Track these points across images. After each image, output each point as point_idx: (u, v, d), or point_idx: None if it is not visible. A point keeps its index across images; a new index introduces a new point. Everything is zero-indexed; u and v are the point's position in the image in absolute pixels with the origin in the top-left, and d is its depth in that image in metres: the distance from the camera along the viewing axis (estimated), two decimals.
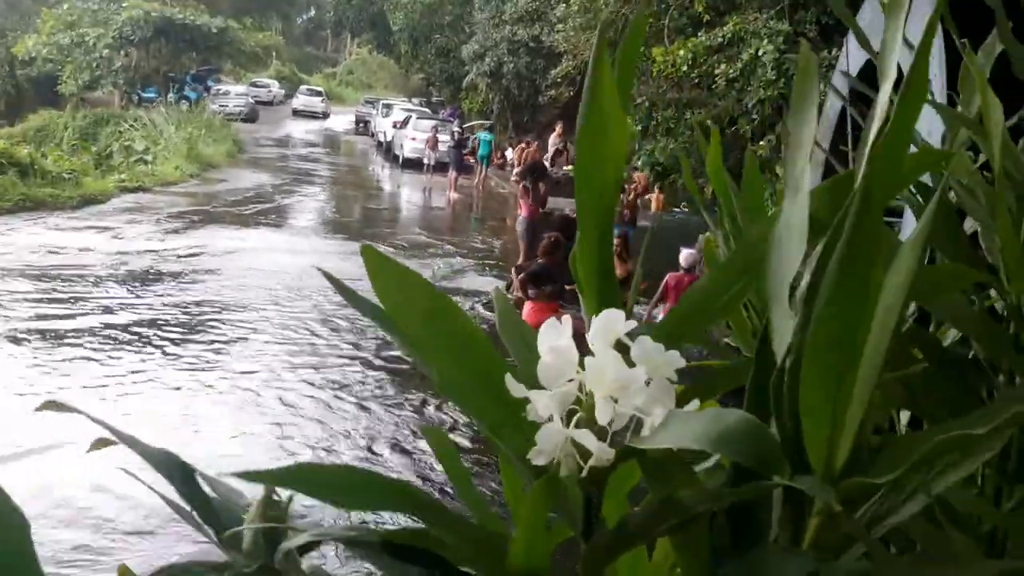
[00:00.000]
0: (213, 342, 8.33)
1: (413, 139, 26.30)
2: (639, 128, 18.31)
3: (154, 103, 30.89)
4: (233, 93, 39.11)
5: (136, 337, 8.24)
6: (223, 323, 9.01)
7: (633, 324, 0.63)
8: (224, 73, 41.05)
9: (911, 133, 0.57)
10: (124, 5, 31.87)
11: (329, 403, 6.98)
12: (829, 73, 9.80)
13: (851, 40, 4.46)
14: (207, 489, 0.82)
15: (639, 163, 16.23)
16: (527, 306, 7.28)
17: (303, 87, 46.82)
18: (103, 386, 6.93)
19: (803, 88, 0.70)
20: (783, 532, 0.60)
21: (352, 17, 44.53)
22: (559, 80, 22.89)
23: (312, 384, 7.37)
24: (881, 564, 0.59)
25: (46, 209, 15.30)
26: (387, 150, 30.46)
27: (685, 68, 14.79)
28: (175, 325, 8.83)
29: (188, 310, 9.43)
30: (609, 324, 0.62)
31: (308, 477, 0.65)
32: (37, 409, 0.93)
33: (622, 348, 0.62)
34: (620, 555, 0.62)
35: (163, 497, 0.80)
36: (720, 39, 14.62)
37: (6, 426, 5.86)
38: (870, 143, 0.57)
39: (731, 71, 13.84)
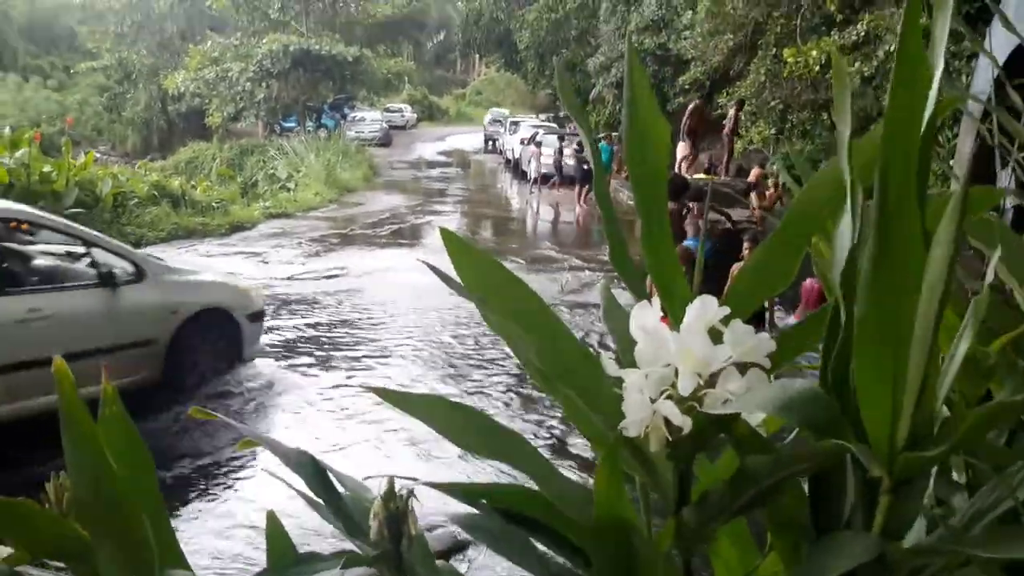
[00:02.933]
0: (354, 357, 8.62)
1: (540, 155, 26.43)
2: (772, 132, 17.87)
3: (294, 132, 32.25)
4: (368, 119, 40.50)
5: (282, 352, 8.62)
6: (361, 340, 9.31)
7: (727, 310, 0.64)
8: (358, 99, 42.48)
9: (918, 119, 0.57)
10: (264, 40, 33.45)
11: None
12: (973, 62, 9.34)
13: (995, 26, 4.24)
14: (337, 485, 0.88)
15: (774, 168, 15.82)
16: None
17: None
18: None
19: (839, 92, 0.72)
20: (855, 517, 0.60)
21: (480, 38, 45.31)
22: (687, 87, 22.60)
23: (452, 395, 7.52)
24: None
25: (197, 237, 16.21)
26: (515, 167, 30.72)
27: (818, 68, 14.36)
28: (316, 342, 9.19)
29: (328, 328, 9.79)
30: (704, 309, 0.64)
31: (440, 410, 0.71)
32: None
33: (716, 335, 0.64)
34: (710, 529, 0.63)
35: (299, 492, 0.86)
36: (855, 37, 14.14)
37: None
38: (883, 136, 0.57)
39: (866, 69, 13.35)
